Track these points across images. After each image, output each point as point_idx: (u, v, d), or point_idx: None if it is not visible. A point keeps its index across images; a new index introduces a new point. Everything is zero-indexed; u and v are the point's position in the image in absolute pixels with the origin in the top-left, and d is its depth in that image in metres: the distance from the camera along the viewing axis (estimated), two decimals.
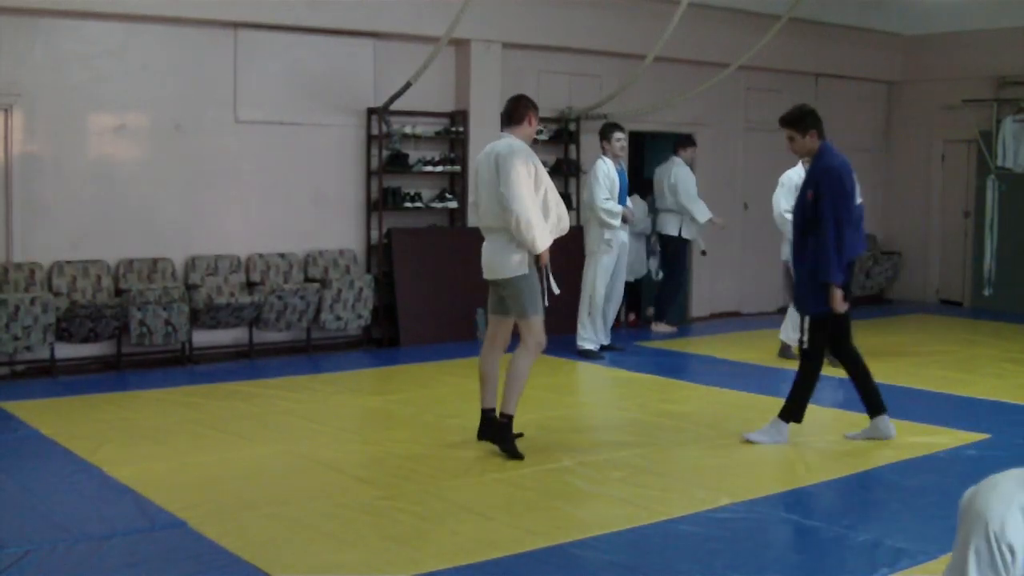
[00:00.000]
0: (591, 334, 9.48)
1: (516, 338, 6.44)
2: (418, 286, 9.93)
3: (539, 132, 9.03)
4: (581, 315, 9.49)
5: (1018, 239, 12.52)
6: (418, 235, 10.13)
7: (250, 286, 9.22)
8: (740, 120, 12.41)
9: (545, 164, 6.28)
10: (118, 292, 8.59)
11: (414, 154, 10.12)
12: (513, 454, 5.97)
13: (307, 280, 9.48)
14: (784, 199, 8.83)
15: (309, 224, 9.65)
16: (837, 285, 6.03)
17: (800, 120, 6.19)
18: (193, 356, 8.92)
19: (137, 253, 8.79)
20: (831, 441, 6.44)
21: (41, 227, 8.38)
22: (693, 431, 6.69)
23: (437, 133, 10.21)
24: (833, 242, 5.99)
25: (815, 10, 11.77)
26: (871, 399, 6.37)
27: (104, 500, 5.12)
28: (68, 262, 8.45)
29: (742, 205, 12.37)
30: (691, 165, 10.92)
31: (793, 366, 6.67)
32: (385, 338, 9.89)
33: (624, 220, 9.48)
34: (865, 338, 10.20)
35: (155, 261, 8.83)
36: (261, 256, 9.33)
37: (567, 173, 11.00)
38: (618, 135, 9.51)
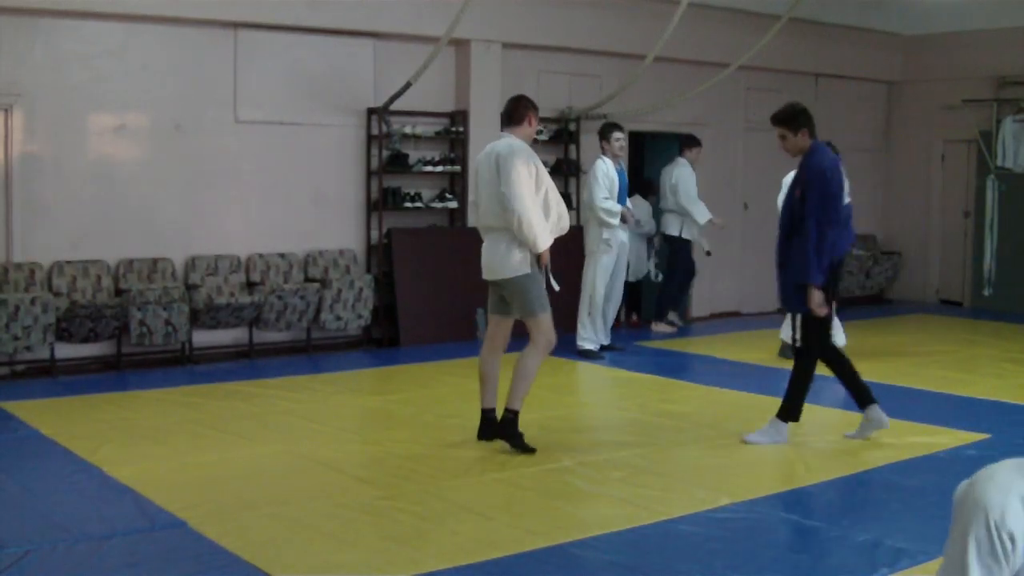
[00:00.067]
0: (591, 334, 9.49)
1: (514, 337, 6.45)
2: (418, 286, 9.93)
3: (539, 132, 9.04)
4: (581, 315, 9.49)
5: (1018, 239, 12.52)
6: (418, 235, 10.13)
7: (250, 286, 9.22)
8: (740, 120, 12.41)
9: (545, 164, 6.29)
10: (118, 292, 8.59)
11: (414, 154, 10.12)
12: (524, 448, 6.00)
13: (307, 280, 9.48)
14: None
15: (309, 224, 9.66)
16: (816, 286, 6.03)
17: (792, 119, 6.19)
18: (193, 356, 8.92)
19: (137, 253, 8.79)
20: (831, 441, 6.44)
21: (41, 227, 8.38)
22: (693, 431, 6.69)
23: (437, 133, 10.22)
24: (814, 243, 5.98)
25: (815, 10, 11.77)
26: (859, 391, 6.38)
27: (104, 500, 5.12)
28: (68, 262, 8.45)
29: (742, 205, 12.37)
30: (695, 166, 10.93)
31: None
32: (385, 338, 9.89)
33: (623, 220, 9.48)
34: (865, 338, 10.29)
35: (155, 261, 8.83)
36: (261, 256, 9.33)
37: (567, 173, 11.00)
38: (617, 135, 9.51)
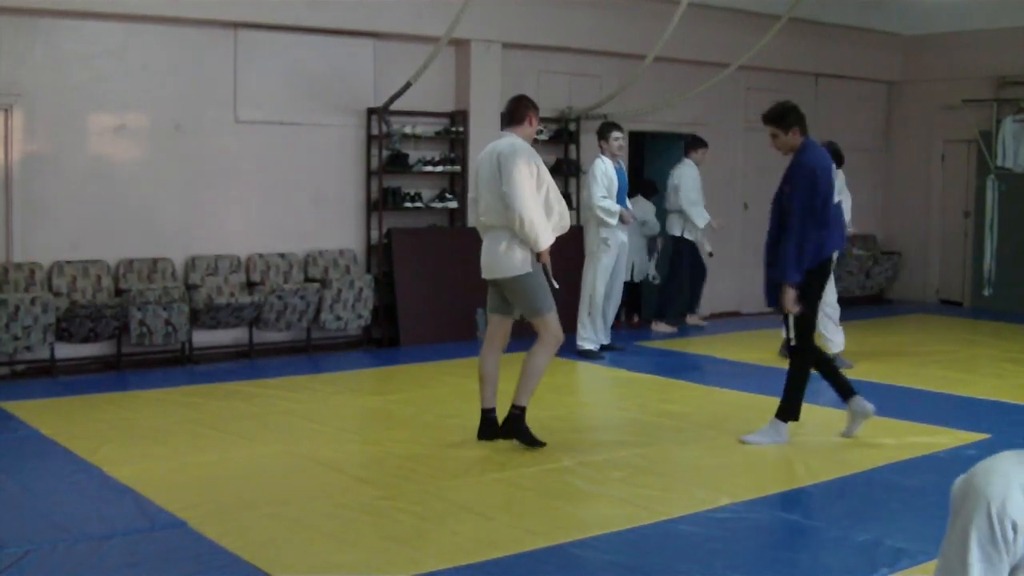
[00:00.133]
0: (591, 334, 9.48)
1: (515, 337, 6.45)
2: (418, 286, 9.93)
3: (539, 132, 9.03)
4: (581, 315, 9.49)
5: (1018, 239, 12.52)
6: (418, 235, 10.13)
7: (250, 286, 9.22)
8: (740, 120, 12.40)
9: (545, 164, 6.30)
10: (118, 292, 8.59)
11: (414, 154, 10.12)
12: (533, 442, 6.04)
13: (307, 280, 9.48)
14: None
15: (309, 224, 9.65)
16: (792, 285, 6.04)
17: (782, 117, 6.19)
18: (193, 356, 8.92)
19: (137, 253, 8.79)
20: (831, 441, 6.44)
21: (41, 227, 8.38)
22: (693, 431, 6.69)
23: (437, 133, 10.21)
24: (796, 241, 5.98)
25: (815, 10, 11.77)
26: (839, 384, 6.40)
27: (104, 500, 5.12)
28: (68, 262, 8.45)
29: (742, 205, 12.37)
30: (700, 167, 10.95)
31: None
32: (385, 338, 9.89)
33: (621, 220, 9.47)
34: (865, 338, 10.29)
35: (155, 261, 8.83)
36: (261, 256, 9.33)
37: (567, 173, 11.00)
38: (616, 134, 9.50)
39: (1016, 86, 12.50)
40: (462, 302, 9.70)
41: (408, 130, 9.94)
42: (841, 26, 12.75)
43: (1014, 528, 1.92)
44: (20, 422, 6.68)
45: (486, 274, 6.21)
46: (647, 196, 11.37)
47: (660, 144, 12.15)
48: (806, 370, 6.29)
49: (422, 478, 5.52)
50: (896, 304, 13.60)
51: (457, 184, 10.33)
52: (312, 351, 9.48)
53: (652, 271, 11.28)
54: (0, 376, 8.18)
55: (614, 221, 9.37)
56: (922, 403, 7.57)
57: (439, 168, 10.24)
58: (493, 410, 6.24)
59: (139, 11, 8.55)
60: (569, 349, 9.29)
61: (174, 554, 4.37)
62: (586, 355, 9.34)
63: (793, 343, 6.26)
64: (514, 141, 6.11)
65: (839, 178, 8.57)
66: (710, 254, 11.21)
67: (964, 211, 13.41)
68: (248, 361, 9.07)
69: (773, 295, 6.22)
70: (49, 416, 6.80)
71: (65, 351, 8.40)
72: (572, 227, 6.72)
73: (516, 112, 6.24)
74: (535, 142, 6.40)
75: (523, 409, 6.12)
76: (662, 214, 11.22)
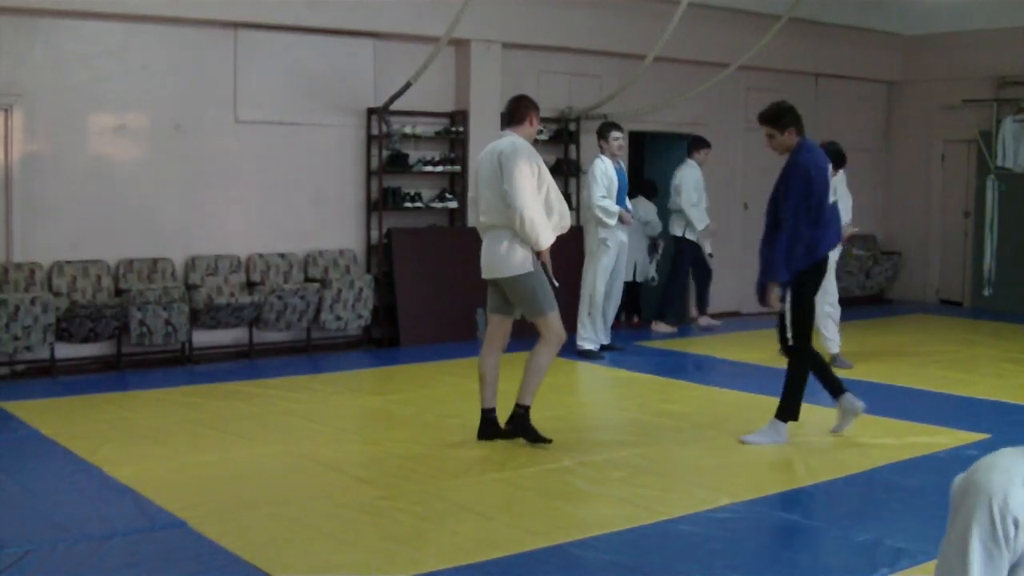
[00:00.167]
0: (591, 334, 9.48)
1: (515, 337, 6.45)
2: (418, 286, 9.93)
3: (539, 132, 9.02)
4: (581, 315, 9.48)
5: (1018, 239, 12.52)
6: (418, 235, 10.13)
7: (250, 286, 9.22)
8: (740, 120, 12.39)
9: (545, 164, 6.30)
10: (118, 292, 8.59)
11: (414, 154, 10.12)
12: (539, 439, 6.07)
13: (307, 280, 9.48)
14: None
15: (309, 224, 9.65)
16: (777, 284, 6.03)
17: (778, 117, 6.19)
18: (193, 356, 8.92)
19: (137, 253, 8.79)
20: (831, 441, 6.44)
21: (41, 227, 8.38)
22: (693, 431, 6.69)
23: (437, 133, 10.21)
24: (787, 241, 5.99)
25: (815, 10, 11.76)
26: (829, 381, 6.41)
27: (104, 500, 5.12)
28: (68, 262, 8.45)
29: (742, 205, 12.37)
30: (703, 167, 10.95)
31: None
32: (385, 338, 9.89)
33: (621, 220, 9.46)
34: (865, 338, 10.29)
35: (155, 261, 8.83)
36: (261, 256, 9.33)
37: (567, 173, 10.99)
38: (615, 134, 9.50)
39: (1016, 86, 12.50)
40: (462, 302, 9.70)
41: (408, 130, 9.94)
42: (841, 26, 12.74)
43: (1015, 524, 1.92)
44: (20, 422, 6.68)
45: (486, 274, 6.21)
46: (648, 196, 11.38)
47: (660, 144, 12.15)
48: (805, 370, 6.30)
49: (422, 478, 5.52)
50: (896, 304, 13.59)
51: (457, 184, 10.33)
52: (312, 351, 9.48)
53: (652, 272, 11.28)
54: (0, 376, 8.18)
55: (613, 221, 9.37)
56: (922, 403, 7.57)
57: (439, 168, 10.24)
58: (493, 410, 6.24)
59: (139, 11, 8.55)
60: (569, 349, 9.28)
61: (174, 554, 4.37)
62: (586, 355, 9.34)
63: (792, 343, 6.26)
64: (515, 140, 6.11)
65: (841, 178, 8.58)
66: (710, 255, 11.21)
67: (964, 211, 13.41)
68: (248, 361, 9.07)
69: (763, 294, 6.24)
70: (49, 416, 6.80)
71: (65, 351, 8.40)
72: (572, 227, 6.72)
73: (516, 112, 6.24)
74: (535, 142, 6.41)
75: (527, 408, 6.14)
76: (664, 214, 11.22)
